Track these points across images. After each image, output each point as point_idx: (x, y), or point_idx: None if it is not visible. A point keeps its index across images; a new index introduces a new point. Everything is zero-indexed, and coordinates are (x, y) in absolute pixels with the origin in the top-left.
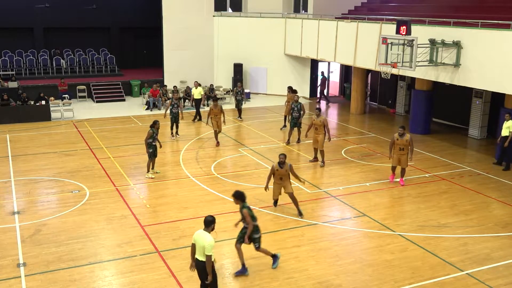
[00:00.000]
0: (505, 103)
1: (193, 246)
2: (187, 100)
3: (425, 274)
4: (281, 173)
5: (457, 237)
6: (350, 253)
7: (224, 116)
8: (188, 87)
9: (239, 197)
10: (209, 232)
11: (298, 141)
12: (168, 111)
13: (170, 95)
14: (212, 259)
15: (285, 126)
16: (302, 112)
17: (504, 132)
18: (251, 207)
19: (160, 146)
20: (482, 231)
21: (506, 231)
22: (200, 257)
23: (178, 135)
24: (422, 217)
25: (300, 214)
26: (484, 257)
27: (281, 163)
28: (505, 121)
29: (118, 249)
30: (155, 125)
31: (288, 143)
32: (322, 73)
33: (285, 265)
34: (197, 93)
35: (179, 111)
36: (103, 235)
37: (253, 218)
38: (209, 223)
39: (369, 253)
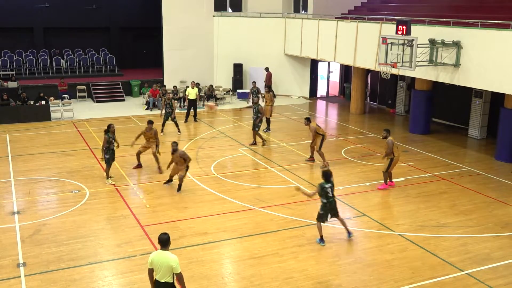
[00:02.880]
0: (505, 103)
1: (151, 271)
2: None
3: (425, 274)
4: (175, 158)
5: (457, 237)
6: (350, 253)
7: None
8: (187, 87)
9: (323, 175)
10: (168, 250)
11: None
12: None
13: (170, 94)
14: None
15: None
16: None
17: None
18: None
19: (118, 146)
20: (482, 231)
21: (506, 231)
22: (167, 279)
23: (179, 133)
24: (422, 217)
25: (179, 189)
26: (484, 257)
27: (174, 151)
28: None
29: (118, 249)
30: (109, 129)
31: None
32: (267, 68)
33: (285, 265)
34: (193, 93)
35: (172, 111)
36: (103, 235)
37: (322, 195)
38: (166, 242)
39: (369, 253)
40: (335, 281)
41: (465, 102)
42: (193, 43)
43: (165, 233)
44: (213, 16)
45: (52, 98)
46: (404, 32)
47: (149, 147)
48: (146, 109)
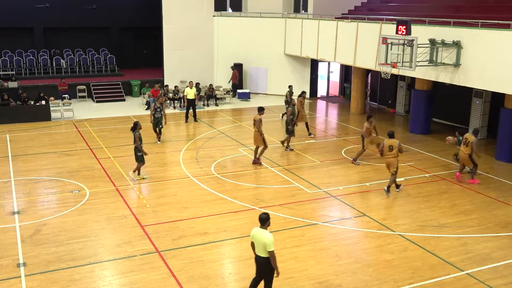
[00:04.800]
0: (505, 103)
1: (253, 244)
2: (181, 101)
3: (425, 274)
4: None
5: (457, 237)
6: (350, 253)
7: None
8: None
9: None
10: (266, 229)
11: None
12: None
13: (170, 95)
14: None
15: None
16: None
17: None
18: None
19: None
20: (482, 231)
21: (506, 231)
22: (260, 253)
23: (159, 141)
24: (422, 217)
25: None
26: (484, 257)
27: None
28: None
29: (118, 249)
30: (137, 127)
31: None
32: (233, 67)
33: (285, 265)
34: (191, 93)
35: (162, 116)
36: (103, 235)
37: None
38: (265, 221)
39: (369, 253)
40: (335, 281)
41: (465, 102)
42: (193, 43)
43: (265, 213)
44: (213, 16)
45: (52, 98)
46: (404, 32)
47: None
48: (146, 109)
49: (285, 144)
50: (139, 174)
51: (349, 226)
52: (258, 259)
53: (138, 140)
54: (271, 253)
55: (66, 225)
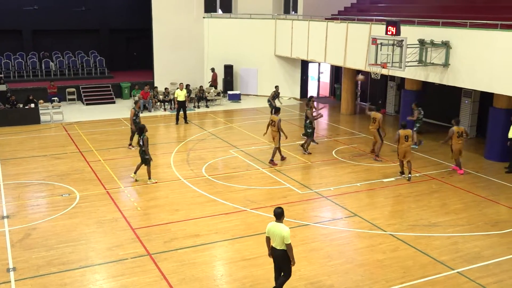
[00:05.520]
0: (493, 102)
1: (268, 239)
2: (172, 102)
3: (416, 273)
4: None
5: (447, 236)
6: (342, 253)
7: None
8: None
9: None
10: (282, 223)
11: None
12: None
13: (161, 96)
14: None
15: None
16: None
17: (511, 134)
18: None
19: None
20: (472, 229)
21: (496, 229)
22: (278, 246)
23: (133, 147)
24: (413, 216)
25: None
26: (475, 256)
27: None
28: None
29: (109, 252)
30: (145, 130)
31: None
32: (213, 69)
33: None
34: (181, 95)
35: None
36: (93, 239)
37: None
38: (280, 215)
39: (360, 253)
40: (327, 281)
41: (454, 102)
42: (184, 45)
43: (280, 207)
44: (203, 17)
45: (41, 101)
46: (394, 33)
47: None
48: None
49: (306, 147)
50: (149, 178)
51: (341, 227)
52: (275, 252)
53: (147, 144)
54: (289, 245)
55: (56, 229)
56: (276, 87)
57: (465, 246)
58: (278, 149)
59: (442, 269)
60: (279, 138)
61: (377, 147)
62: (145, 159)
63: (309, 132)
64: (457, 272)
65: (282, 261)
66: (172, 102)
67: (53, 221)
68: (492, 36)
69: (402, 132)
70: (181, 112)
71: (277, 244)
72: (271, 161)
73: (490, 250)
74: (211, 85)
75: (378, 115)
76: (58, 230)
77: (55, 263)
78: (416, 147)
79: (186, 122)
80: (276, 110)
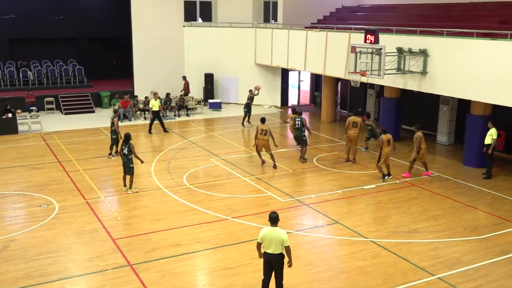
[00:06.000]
0: (471, 109)
1: (259, 244)
2: (147, 112)
3: (397, 280)
4: None
5: (428, 242)
6: (324, 260)
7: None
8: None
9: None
10: (277, 226)
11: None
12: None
13: (141, 105)
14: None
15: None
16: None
17: (487, 140)
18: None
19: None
20: (452, 235)
21: (475, 234)
22: (275, 251)
23: (115, 155)
24: (393, 223)
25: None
26: (454, 261)
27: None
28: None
29: (89, 263)
30: (129, 139)
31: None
32: (184, 77)
33: (259, 275)
34: (156, 105)
35: (117, 136)
36: (73, 250)
37: None
38: (276, 219)
39: (342, 260)
40: None
41: (433, 109)
42: (164, 54)
43: (275, 212)
44: (183, 26)
45: (19, 110)
46: (372, 41)
47: None
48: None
49: (303, 155)
50: (130, 187)
51: (322, 234)
52: (271, 256)
53: (133, 151)
54: (288, 247)
55: (34, 240)
56: (250, 90)
57: (445, 252)
58: (271, 154)
59: (422, 275)
60: (273, 145)
61: (353, 151)
62: (130, 168)
63: (305, 140)
64: (438, 277)
65: (279, 265)
66: (149, 111)
67: (32, 233)
68: (468, 44)
69: (384, 137)
70: (156, 122)
71: (274, 249)
72: (275, 166)
73: (469, 256)
74: (183, 94)
75: (358, 119)
76: (37, 241)
77: (34, 275)
78: (365, 151)
79: (165, 131)
80: (263, 120)
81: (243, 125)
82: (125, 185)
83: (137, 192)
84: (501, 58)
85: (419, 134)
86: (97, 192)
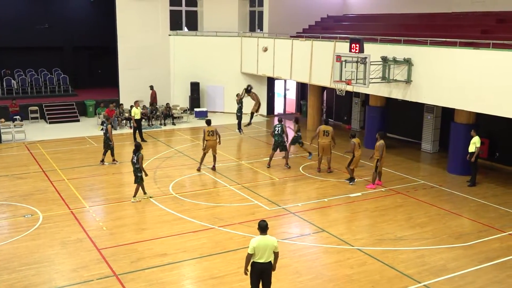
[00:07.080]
0: (454, 117)
1: (250, 256)
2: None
3: (384, 287)
4: None
5: (413, 249)
6: (310, 269)
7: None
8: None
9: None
10: (267, 234)
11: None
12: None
13: (126, 114)
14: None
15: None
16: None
17: (471, 148)
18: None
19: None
20: (437, 242)
21: (460, 242)
22: (268, 259)
23: (102, 163)
24: (379, 230)
25: None
26: (440, 268)
27: None
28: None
29: (74, 274)
30: (140, 149)
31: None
32: (151, 87)
33: (246, 284)
34: (138, 113)
35: (108, 136)
36: (57, 260)
37: None
38: (266, 228)
39: (329, 269)
40: None
41: (417, 117)
42: (149, 62)
43: (264, 220)
44: (169, 35)
45: (2, 119)
46: (357, 50)
47: None
48: (102, 129)
49: (286, 161)
50: (134, 196)
51: (309, 242)
52: (264, 266)
53: (141, 161)
54: (278, 253)
55: (18, 251)
56: (237, 94)
57: (431, 259)
58: (215, 156)
59: (409, 282)
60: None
61: (328, 160)
62: (137, 177)
63: (285, 145)
64: (424, 285)
65: (268, 274)
66: (130, 121)
67: (16, 243)
68: (451, 53)
69: (356, 140)
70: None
71: (266, 258)
72: (214, 167)
73: (455, 263)
74: (150, 104)
75: (330, 128)
76: (21, 252)
77: (18, 286)
78: (310, 158)
79: (142, 140)
80: (209, 122)
81: (241, 131)
82: (145, 193)
83: (139, 201)
84: (483, 67)
85: (382, 142)
86: (82, 202)
